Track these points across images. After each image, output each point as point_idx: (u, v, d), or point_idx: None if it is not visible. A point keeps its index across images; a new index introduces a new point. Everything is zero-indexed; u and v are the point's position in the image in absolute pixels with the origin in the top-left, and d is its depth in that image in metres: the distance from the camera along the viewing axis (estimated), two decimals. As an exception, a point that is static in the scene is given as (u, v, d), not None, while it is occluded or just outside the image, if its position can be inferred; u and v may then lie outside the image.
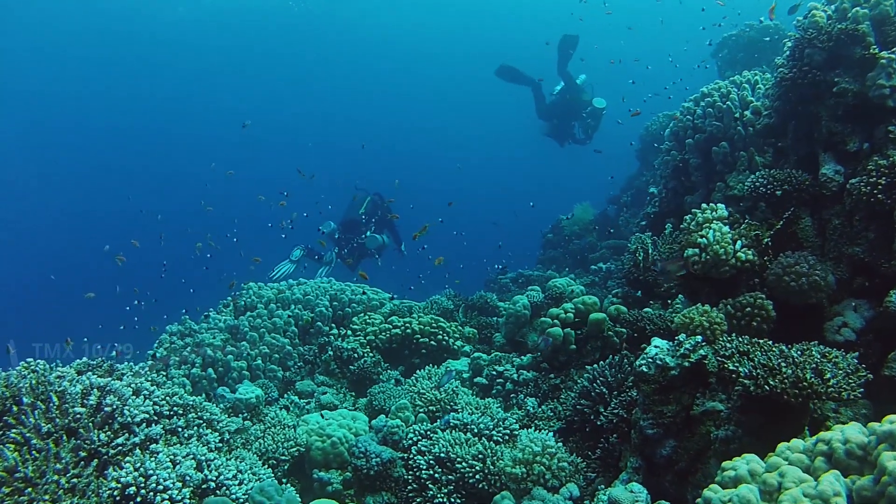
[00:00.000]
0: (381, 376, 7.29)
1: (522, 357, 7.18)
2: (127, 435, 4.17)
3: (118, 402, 4.26)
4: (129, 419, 4.22)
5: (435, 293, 9.95)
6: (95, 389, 4.28)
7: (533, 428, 5.71)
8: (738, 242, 4.76)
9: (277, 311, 7.92)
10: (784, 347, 3.82)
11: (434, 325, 7.78)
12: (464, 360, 7.60)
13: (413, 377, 6.79)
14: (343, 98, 46.13)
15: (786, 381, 3.50)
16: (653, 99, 11.99)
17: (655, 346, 4.35)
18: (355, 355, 7.46)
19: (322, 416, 5.78)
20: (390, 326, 7.82)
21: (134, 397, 4.45)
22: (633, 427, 4.59)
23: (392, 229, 11.78)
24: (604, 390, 5.66)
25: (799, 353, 3.73)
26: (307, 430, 5.55)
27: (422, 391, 6.24)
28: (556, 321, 6.70)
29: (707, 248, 4.69)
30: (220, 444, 4.87)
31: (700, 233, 4.80)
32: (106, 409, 4.20)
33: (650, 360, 4.28)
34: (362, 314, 8.27)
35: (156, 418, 4.59)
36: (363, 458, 5.09)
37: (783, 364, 3.58)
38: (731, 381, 4.07)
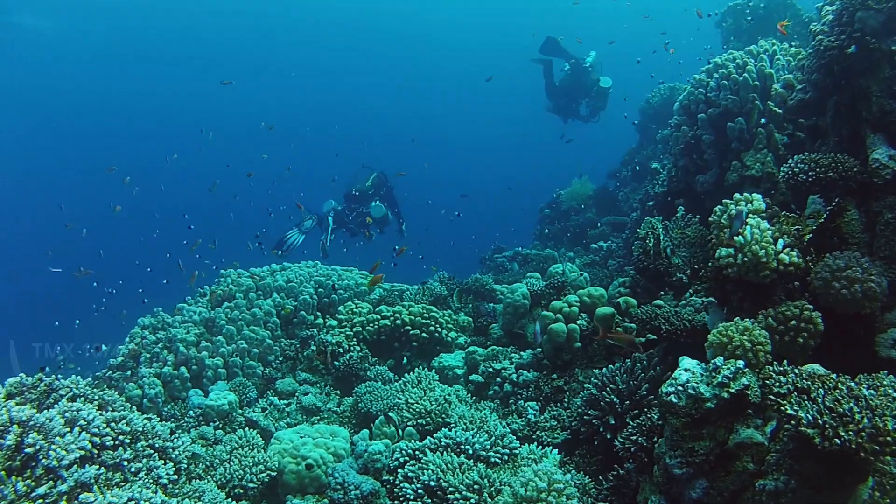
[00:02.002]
0: (368, 373, 6.44)
1: (522, 353, 6.34)
2: (51, 483, 3.33)
3: (43, 442, 3.41)
4: (54, 462, 3.37)
5: (421, 271, 9.24)
6: (15, 425, 3.43)
7: (535, 444, 4.90)
8: (780, 241, 3.88)
9: (258, 301, 7.05)
10: (852, 383, 2.96)
11: (425, 315, 6.92)
12: (458, 353, 6.76)
13: (401, 382, 5.92)
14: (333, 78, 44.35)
15: (862, 433, 2.66)
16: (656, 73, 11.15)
17: (686, 371, 3.50)
18: (340, 350, 6.62)
19: (298, 433, 4.93)
20: (378, 317, 6.96)
21: (67, 430, 3.60)
22: (655, 462, 3.76)
23: (395, 208, 11.31)
24: (614, 399, 4.85)
25: (871, 390, 2.88)
26: (280, 451, 4.70)
27: (410, 401, 5.38)
28: (559, 316, 5.86)
29: (744, 248, 3.82)
30: (175, 476, 4.03)
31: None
32: (27, 449, 3.36)
33: (680, 387, 3.43)
34: (349, 302, 7.40)
35: (96, 452, 3.75)
36: (340, 491, 4.25)
37: (856, 409, 2.74)
38: (776, 412, 3.25)
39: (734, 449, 3.45)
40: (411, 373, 6.04)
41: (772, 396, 3.04)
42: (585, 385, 5.29)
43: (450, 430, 4.72)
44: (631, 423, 4.22)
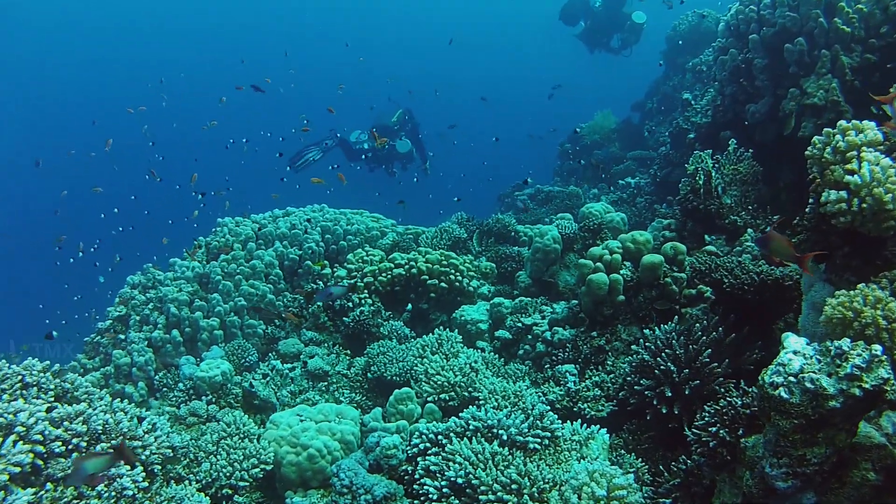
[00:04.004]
0: (381, 329, 5.54)
1: (555, 305, 5.40)
2: (-32, 518, 2.45)
3: (-43, 463, 2.51)
4: (-27, 490, 2.48)
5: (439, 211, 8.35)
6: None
7: (579, 421, 3.98)
8: (907, 181, 2.86)
9: (258, 252, 6.10)
10: None
11: (444, 262, 5.95)
12: (481, 304, 5.83)
13: (419, 346, 4.98)
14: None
15: None
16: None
17: (796, 354, 2.53)
18: (349, 304, 5.69)
19: (297, 415, 4.01)
20: (392, 265, 6.00)
21: (-3, 440, 2.70)
22: (748, 467, 2.82)
23: (419, 146, 10.76)
24: (671, 367, 3.92)
25: None
26: (276, 438, 3.80)
27: (430, 371, 4.44)
28: (599, 264, 4.88)
29: (861, 191, 2.80)
30: (147, 483, 3.14)
31: (847, 166, 2.89)
32: (-63, 475, 2.46)
33: (793, 379, 2.46)
34: (359, 250, 6.44)
35: (41, 463, 2.86)
36: (348, 495, 3.35)
37: None
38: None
39: (849, 452, 2.52)
40: (430, 334, 5.12)
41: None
42: (632, 347, 4.36)
43: (479, 410, 3.79)
44: (707, 408, 3.26)
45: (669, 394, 3.89)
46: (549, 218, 8.14)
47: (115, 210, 8.94)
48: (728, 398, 3.18)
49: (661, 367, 3.95)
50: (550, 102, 12.89)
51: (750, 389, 3.16)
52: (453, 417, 3.83)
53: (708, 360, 3.85)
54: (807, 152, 3.12)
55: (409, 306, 5.86)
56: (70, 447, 2.99)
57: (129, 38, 36.42)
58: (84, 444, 3.03)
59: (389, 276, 5.95)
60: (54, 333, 5.41)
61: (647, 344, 4.14)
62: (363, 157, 10.16)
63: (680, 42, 10.37)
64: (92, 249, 8.14)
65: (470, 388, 4.27)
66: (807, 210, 3.18)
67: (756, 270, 4.18)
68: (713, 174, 5.20)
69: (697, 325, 4.11)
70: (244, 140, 9.41)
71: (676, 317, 4.44)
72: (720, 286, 4.23)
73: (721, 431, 3.04)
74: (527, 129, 12.15)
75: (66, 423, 3.04)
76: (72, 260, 7.94)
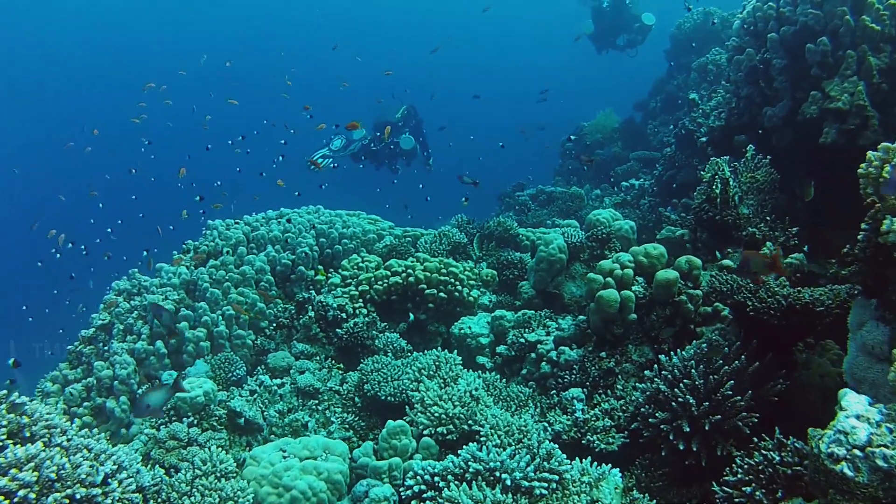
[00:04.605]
0: (376, 342, 5.08)
1: (560, 321, 4.94)
2: None
3: None
4: None
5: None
6: None
7: (589, 460, 3.52)
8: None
9: (248, 257, 5.61)
10: None
11: (443, 271, 5.48)
12: (482, 316, 5.37)
13: (415, 368, 4.48)
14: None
15: None
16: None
17: (860, 419, 2.07)
18: (343, 315, 5.22)
19: (280, 451, 3.53)
20: (388, 273, 5.52)
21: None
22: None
23: (422, 142, 10.35)
24: (689, 399, 3.46)
25: None
26: (258, 477, 3.32)
27: (427, 401, 3.95)
28: (609, 280, 4.40)
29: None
30: (106, 539, 2.68)
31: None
32: None
33: (858, 452, 2.00)
34: (354, 255, 5.96)
35: (-22, 521, 2.40)
36: (335, 554, 2.90)
37: None
38: None
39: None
40: (428, 349, 4.66)
41: None
42: (646, 373, 3.89)
43: (480, 450, 3.32)
44: (740, 462, 2.80)
45: (687, 429, 3.45)
46: (551, 220, 7.68)
47: (100, 205, 8.45)
48: (763, 452, 2.71)
49: (679, 399, 3.50)
50: (551, 100, 12.40)
51: (788, 441, 2.70)
52: (451, 457, 3.36)
53: (730, 392, 3.40)
54: (860, 170, 2.65)
55: (412, 317, 5.40)
56: (16, 500, 2.53)
57: (126, 34, 35.32)
58: (33, 496, 2.57)
59: (386, 285, 5.48)
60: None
61: (663, 372, 3.68)
62: (362, 157, 9.73)
63: (693, 45, 9.86)
64: (82, 247, 7.66)
65: (471, 420, 3.79)
66: (859, 237, 2.71)
67: (783, 294, 3.70)
68: (730, 182, 4.73)
69: (716, 353, 3.65)
70: (240, 137, 8.90)
71: (694, 340, 3.98)
72: (743, 309, 3.76)
73: (758, 493, 2.58)
74: (528, 128, 11.63)
75: (12, 472, 2.58)
76: (58, 256, 7.45)
